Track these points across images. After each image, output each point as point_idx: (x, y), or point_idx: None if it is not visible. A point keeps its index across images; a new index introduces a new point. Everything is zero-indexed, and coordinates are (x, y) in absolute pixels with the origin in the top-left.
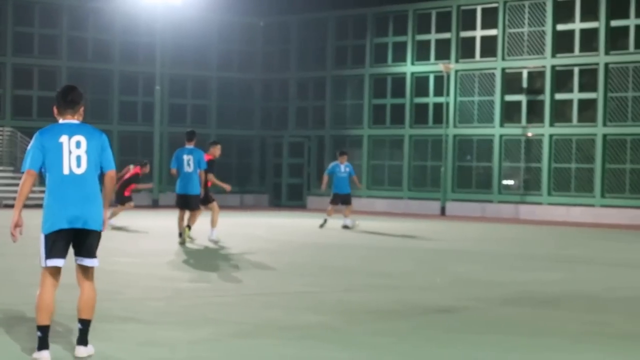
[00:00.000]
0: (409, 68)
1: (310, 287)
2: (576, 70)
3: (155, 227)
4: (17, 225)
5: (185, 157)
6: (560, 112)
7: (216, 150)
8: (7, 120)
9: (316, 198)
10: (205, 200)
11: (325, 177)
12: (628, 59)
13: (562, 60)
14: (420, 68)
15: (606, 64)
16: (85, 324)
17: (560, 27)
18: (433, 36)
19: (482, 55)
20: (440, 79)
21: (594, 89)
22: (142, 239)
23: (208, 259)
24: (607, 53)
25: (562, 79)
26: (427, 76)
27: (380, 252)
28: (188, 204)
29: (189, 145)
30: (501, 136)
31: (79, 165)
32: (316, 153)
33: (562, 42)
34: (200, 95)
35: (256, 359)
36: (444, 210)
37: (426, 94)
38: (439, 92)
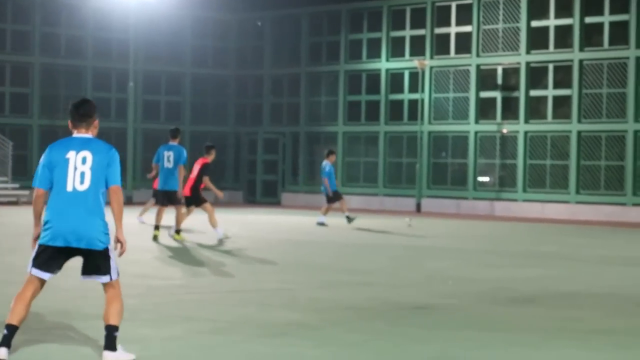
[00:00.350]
0: (384, 64)
1: (285, 284)
2: (551, 66)
3: (128, 224)
4: (36, 239)
5: (166, 154)
6: (535, 109)
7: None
8: None
9: (291, 195)
10: (198, 202)
11: (327, 180)
12: (602, 56)
13: (537, 56)
14: (395, 64)
15: (581, 61)
16: (108, 329)
17: (535, 23)
18: (407, 32)
19: (456, 52)
20: (415, 76)
21: (568, 85)
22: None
23: (181, 256)
24: (581, 50)
25: (536, 75)
26: (402, 73)
27: (355, 248)
28: (169, 199)
29: (172, 142)
30: (476, 133)
31: (82, 182)
32: (291, 150)
33: (537, 39)
34: (174, 92)
35: (230, 357)
36: (419, 207)
37: (401, 91)
38: (413, 88)
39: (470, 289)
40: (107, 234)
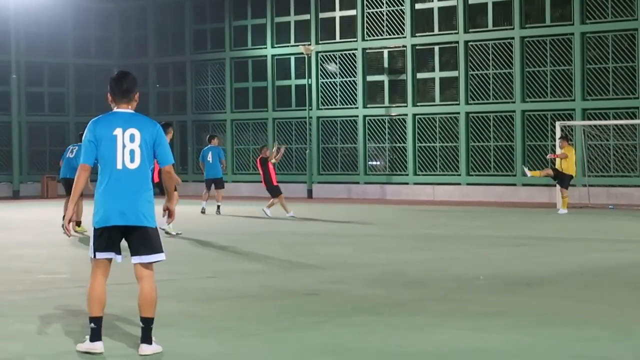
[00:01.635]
0: (270, 51)
1: (173, 274)
2: (436, 49)
3: (15, 219)
4: (71, 220)
5: (71, 147)
6: (422, 92)
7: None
8: None
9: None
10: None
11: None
12: (487, 37)
13: (422, 39)
14: (281, 50)
15: (466, 42)
16: (146, 322)
17: (419, 5)
18: (292, 18)
19: (342, 36)
20: (301, 61)
21: (455, 67)
22: (0, 232)
23: (69, 250)
24: (466, 31)
25: (422, 58)
26: (288, 58)
27: (245, 237)
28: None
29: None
30: (365, 117)
31: (132, 160)
32: (179, 138)
33: (422, 21)
34: (58, 83)
35: (117, 350)
36: (310, 193)
37: (288, 77)
38: (300, 74)
39: (360, 273)
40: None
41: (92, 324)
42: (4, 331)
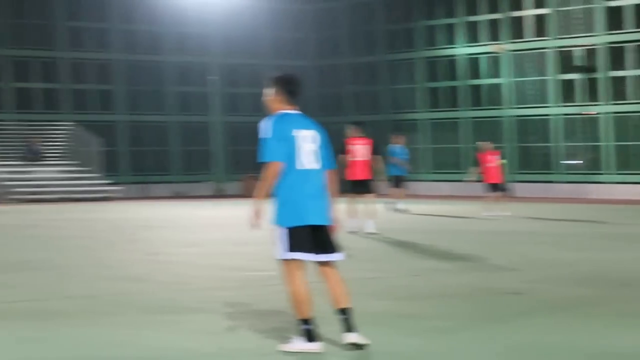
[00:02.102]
0: (461, 50)
1: (375, 272)
2: (629, 46)
3: (219, 217)
4: (259, 215)
5: None
6: (617, 90)
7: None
8: (67, 115)
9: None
10: (370, 189)
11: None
12: None
13: (615, 37)
14: (472, 50)
15: None
16: (347, 313)
17: (611, 3)
18: (483, 17)
19: (533, 35)
20: (492, 60)
21: None
22: (206, 229)
23: (271, 247)
24: None
25: (615, 55)
26: (480, 58)
27: (445, 235)
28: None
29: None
30: (559, 115)
31: (315, 160)
32: (374, 138)
33: (614, 19)
34: (256, 84)
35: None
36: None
37: (480, 76)
38: (492, 73)
39: (565, 272)
40: None
41: (307, 326)
42: (217, 327)
